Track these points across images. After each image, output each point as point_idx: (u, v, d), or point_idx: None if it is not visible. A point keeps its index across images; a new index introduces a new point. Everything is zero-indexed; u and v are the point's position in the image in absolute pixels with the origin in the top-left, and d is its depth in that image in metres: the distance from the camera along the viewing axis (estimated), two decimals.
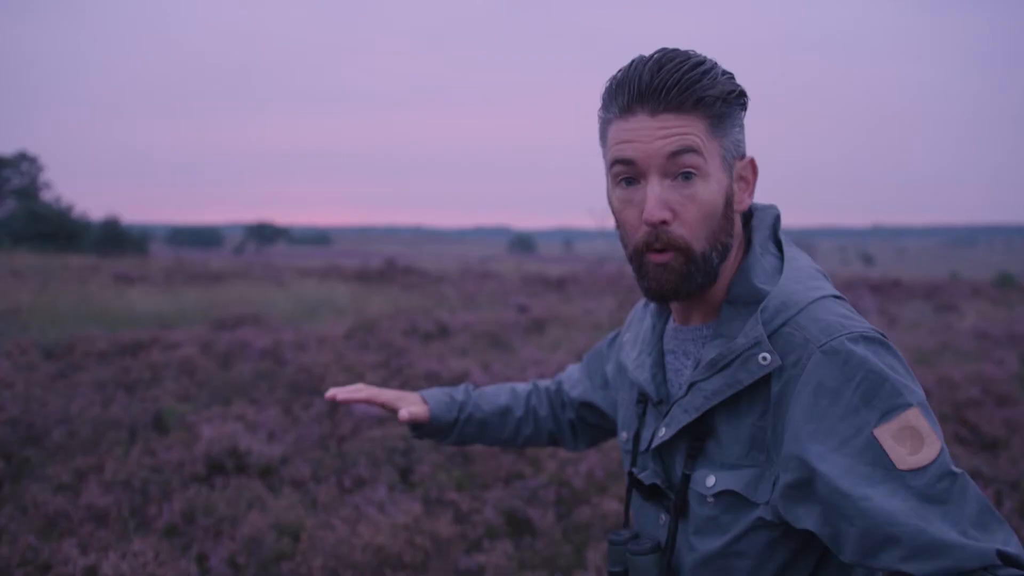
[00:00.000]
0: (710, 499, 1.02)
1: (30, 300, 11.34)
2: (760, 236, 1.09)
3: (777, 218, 1.13)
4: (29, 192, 41.41)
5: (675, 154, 0.99)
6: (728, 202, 1.03)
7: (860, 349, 0.92)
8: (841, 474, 0.90)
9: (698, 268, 1.02)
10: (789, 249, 1.09)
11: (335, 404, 5.68)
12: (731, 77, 1.03)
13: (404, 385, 6.11)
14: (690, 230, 1.01)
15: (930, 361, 8.42)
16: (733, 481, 1.00)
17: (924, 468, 0.88)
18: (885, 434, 0.89)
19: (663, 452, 1.10)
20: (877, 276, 21.71)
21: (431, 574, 3.31)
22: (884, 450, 0.88)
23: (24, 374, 6.48)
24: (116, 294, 12.64)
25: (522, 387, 1.52)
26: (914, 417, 0.89)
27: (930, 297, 16.20)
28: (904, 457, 0.88)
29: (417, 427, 1.47)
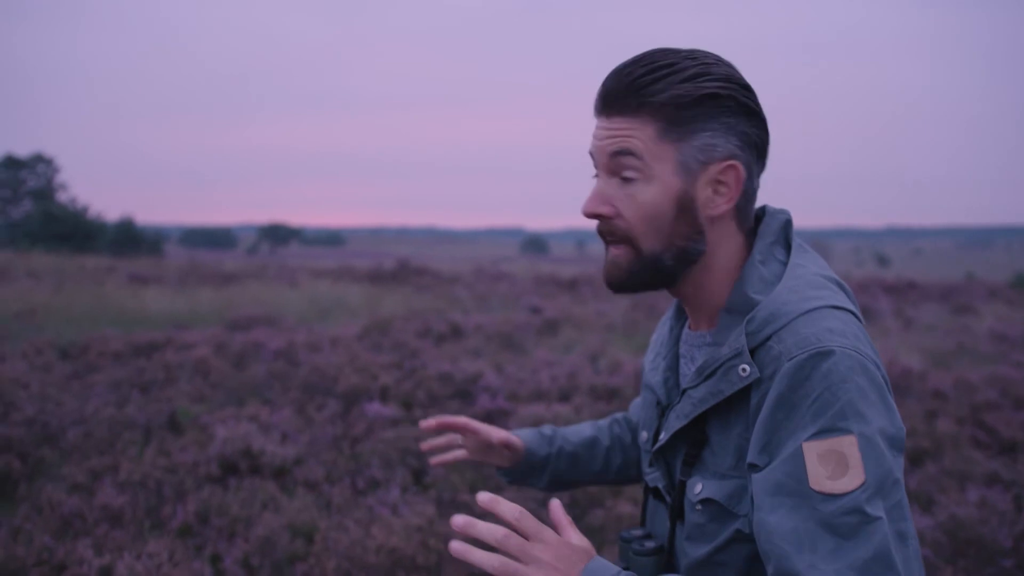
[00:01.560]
0: (698, 506, 1.03)
1: (46, 301, 11.42)
2: (763, 243, 1.06)
3: (786, 223, 1.10)
4: (45, 193, 41.74)
5: (614, 155, 1.02)
6: (683, 207, 1.01)
7: (827, 364, 0.90)
8: (762, 480, 0.91)
9: (645, 267, 1.03)
10: (797, 256, 1.06)
11: (348, 404, 5.71)
12: (706, 80, 0.99)
13: (417, 386, 6.11)
14: (632, 227, 1.03)
15: (947, 363, 8.35)
16: (717, 490, 1.00)
17: (836, 496, 0.86)
18: (812, 450, 0.87)
19: (665, 455, 1.11)
20: (892, 277, 21.57)
21: None
22: (804, 464, 0.87)
23: (40, 374, 6.52)
24: (131, 295, 12.71)
25: (603, 420, 1.50)
26: (847, 444, 0.87)
27: (946, 299, 16.09)
28: (821, 478, 0.86)
29: (508, 470, 1.42)
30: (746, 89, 1.03)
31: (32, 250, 23.42)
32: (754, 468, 0.94)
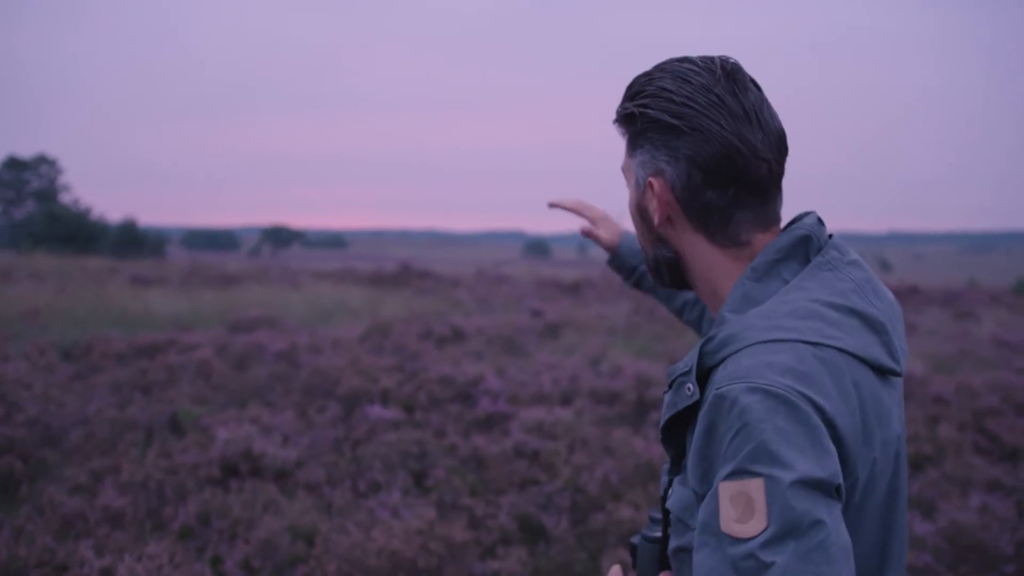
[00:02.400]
0: (667, 506, 1.06)
1: (49, 302, 11.43)
2: (763, 259, 1.02)
3: (803, 239, 1.03)
4: (48, 194, 41.81)
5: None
6: (643, 216, 1.09)
7: (749, 400, 0.88)
8: (699, 513, 0.91)
9: (650, 266, 1.13)
10: (806, 278, 1.00)
11: (349, 407, 5.72)
12: (630, 99, 1.05)
13: (419, 389, 6.11)
14: None
15: (949, 369, 8.34)
16: (676, 500, 1.01)
17: (740, 540, 0.85)
18: (725, 491, 0.87)
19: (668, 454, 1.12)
20: (894, 282, 21.56)
21: None
22: (718, 506, 0.87)
23: (42, 375, 6.53)
24: (133, 296, 12.72)
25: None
26: (755, 488, 0.85)
27: (948, 304, 16.08)
28: (730, 521, 0.86)
29: (611, 257, 1.74)
30: (681, 105, 1.00)
31: (35, 251, 23.45)
32: (697, 497, 0.94)
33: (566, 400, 6.17)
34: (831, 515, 0.85)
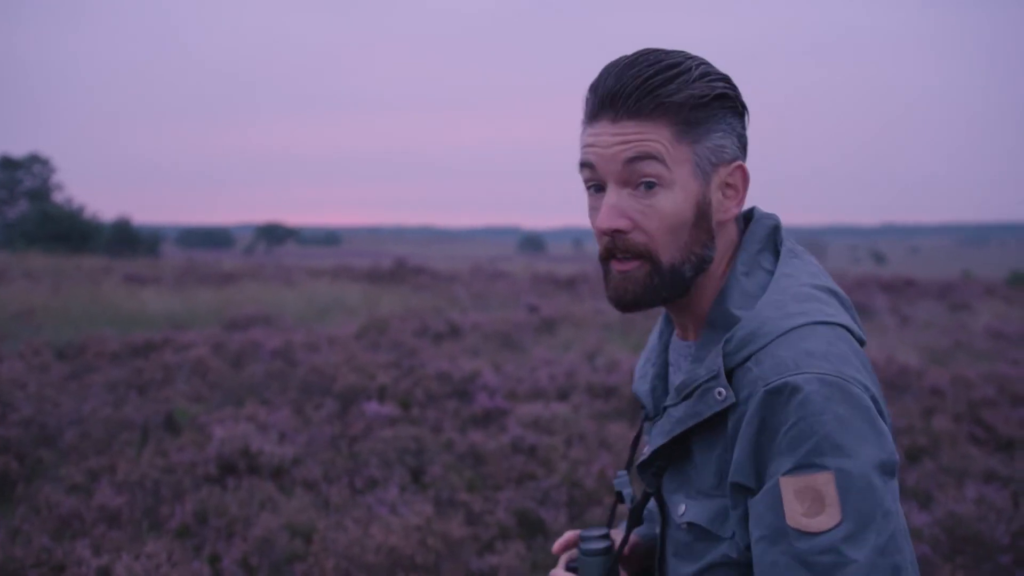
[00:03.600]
0: (683, 526, 1.01)
1: (43, 301, 11.40)
2: (747, 252, 1.01)
3: (774, 228, 1.04)
4: (41, 193, 41.65)
5: (632, 161, 0.96)
6: (702, 212, 0.98)
7: (805, 391, 0.87)
8: (753, 507, 0.90)
9: (663, 280, 0.98)
10: (785, 264, 1.00)
11: (346, 404, 5.71)
12: (713, 79, 0.97)
13: (415, 385, 6.11)
14: (652, 240, 0.97)
15: (944, 361, 8.37)
16: (701, 511, 0.98)
17: (811, 534, 0.84)
18: (788, 486, 0.86)
19: (649, 469, 1.06)
20: (889, 275, 21.60)
21: None
22: (782, 501, 0.86)
23: (37, 375, 6.51)
24: (128, 295, 12.69)
25: None
26: (823, 482, 0.84)
27: (943, 296, 16.11)
28: (797, 516, 0.85)
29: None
30: (736, 88, 1.01)
31: (29, 250, 23.37)
32: (748, 491, 0.92)
33: (563, 395, 6.17)
34: (895, 498, 0.87)
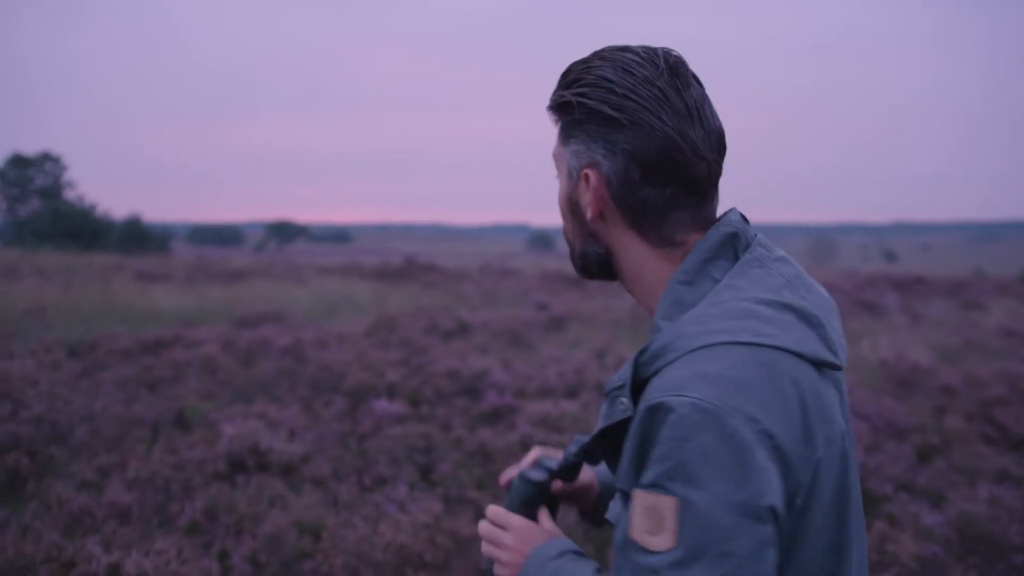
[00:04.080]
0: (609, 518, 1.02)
1: (55, 299, 11.46)
2: (692, 260, 0.98)
3: (730, 236, 0.99)
4: (53, 191, 41.87)
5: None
6: (573, 209, 1.04)
7: (677, 413, 0.87)
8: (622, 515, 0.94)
9: (575, 259, 1.09)
10: (737, 276, 0.97)
11: (355, 401, 5.72)
12: (580, 86, 0.99)
13: (425, 383, 6.11)
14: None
15: (956, 359, 8.32)
16: (612, 510, 0.99)
17: (647, 551, 0.86)
18: (639, 500, 0.88)
19: (591, 454, 1.09)
20: (900, 273, 21.50)
21: (452, 573, 3.30)
22: (633, 512, 0.89)
23: (48, 372, 6.54)
24: (139, 292, 12.75)
25: None
26: (667, 506, 0.85)
27: (955, 294, 16.02)
28: (640, 530, 0.87)
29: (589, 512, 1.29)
30: (622, 96, 0.96)
31: (40, 248, 23.50)
32: (625, 497, 0.93)
33: (572, 393, 6.15)
34: (757, 544, 0.84)
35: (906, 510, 3.75)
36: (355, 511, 3.78)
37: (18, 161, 42.52)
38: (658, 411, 0.88)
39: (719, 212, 1.03)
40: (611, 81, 0.97)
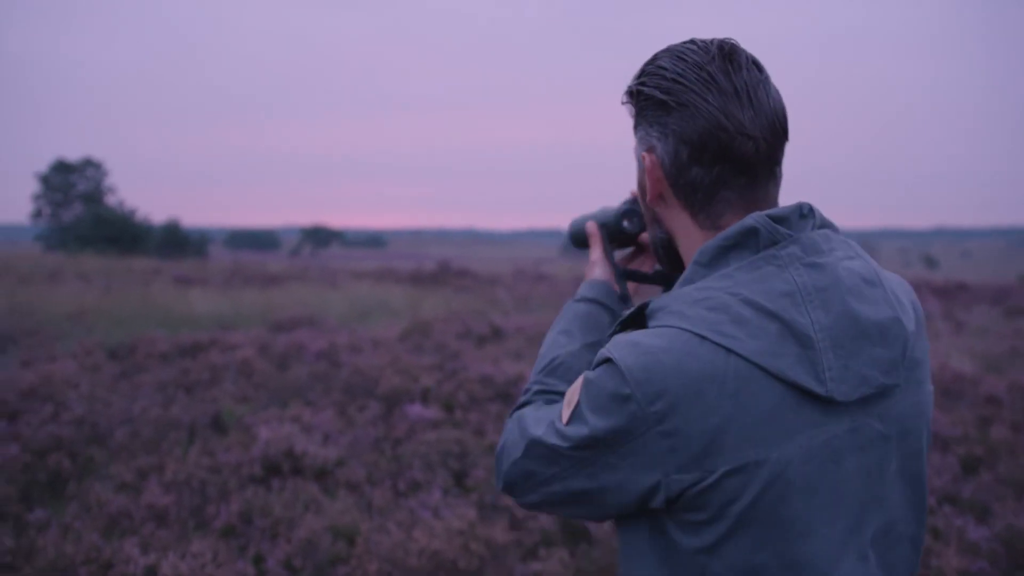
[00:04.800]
0: None
1: (96, 302, 11.65)
2: (712, 244, 0.97)
3: (747, 230, 0.96)
4: (94, 196, 42.68)
5: None
6: (642, 194, 1.10)
7: (600, 365, 0.97)
8: None
9: (653, 249, 1.14)
10: (742, 270, 0.95)
11: (389, 406, 5.73)
12: (641, 76, 1.04)
13: (458, 388, 6.10)
14: None
15: (1001, 368, 8.12)
16: None
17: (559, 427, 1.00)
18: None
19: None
20: (941, 279, 21.10)
21: None
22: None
23: (89, 375, 6.65)
24: (177, 296, 12.92)
25: None
26: (573, 394, 0.99)
27: (998, 301, 15.67)
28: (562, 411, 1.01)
29: None
30: (671, 81, 0.99)
31: (82, 252, 23.96)
32: None
33: None
34: (574, 466, 0.97)
35: (951, 523, 3.66)
36: (389, 516, 3.78)
37: (61, 167, 43.42)
38: (599, 362, 0.97)
39: (788, 204, 1.01)
40: (665, 68, 1.01)
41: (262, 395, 6.26)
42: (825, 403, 0.91)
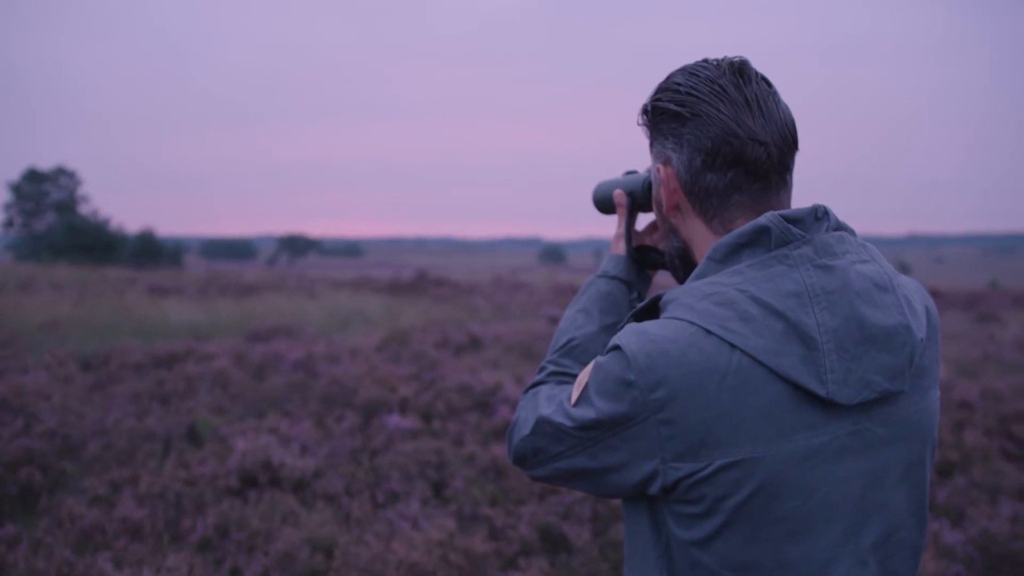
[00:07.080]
0: None
1: (68, 312, 11.50)
2: (726, 241, 0.99)
3: (758, 230, 0.97)
4: (68, 206, 42.20)
5: None
6: (658, 204, 1.12)
7: (609, 352, 1.00)
8: None
9: (668, 262, 1.16)
10: (752, 267, 0.96)
11: (367, 416, 5.69)
12: (658, 92, 1.07)
13: (436, 398, 6.08)
14: None
15: (973, 373, 8.22)
16: None
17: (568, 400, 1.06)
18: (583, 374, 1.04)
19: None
20: None
21: None
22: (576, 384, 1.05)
23: (61, 386, 6.54)
24: (151, 306, 12.78)
25: None
26: (580, 379, 1.03)
27: (970, 307, 15.89)
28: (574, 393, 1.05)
29: None
30: (685, 94, 1.03)
31: (55, 262, 23.66)
32: None
33: None
34: (577, 444, 1.01)
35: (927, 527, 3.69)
36: (367, 528, 3.75)
37: (33, 176, 42.90)
38: (610, 344, 1.01)
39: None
40: (679, 83, 1.05)
41: (238, 406, 6.20)
42: (826, 405, 0.92)
